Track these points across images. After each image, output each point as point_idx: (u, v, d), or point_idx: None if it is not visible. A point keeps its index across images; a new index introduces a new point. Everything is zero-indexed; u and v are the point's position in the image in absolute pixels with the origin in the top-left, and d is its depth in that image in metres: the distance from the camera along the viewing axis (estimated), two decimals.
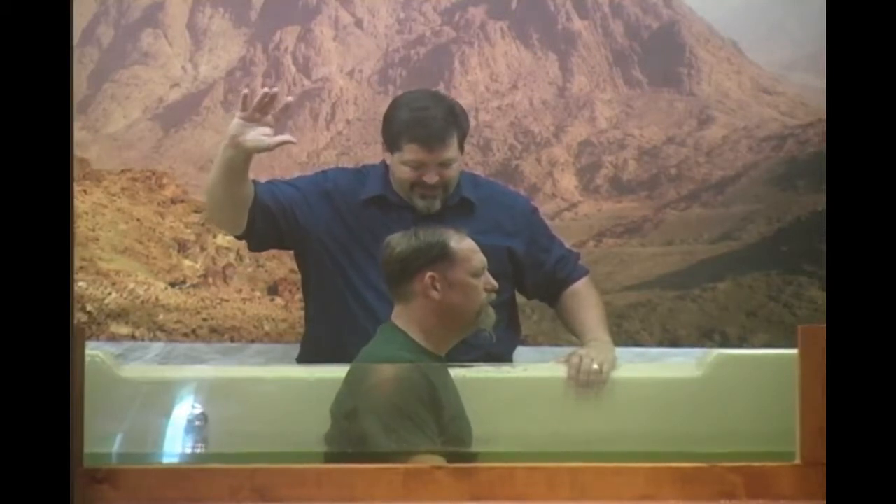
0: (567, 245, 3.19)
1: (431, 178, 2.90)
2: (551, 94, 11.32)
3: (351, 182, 3.00)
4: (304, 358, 3.08)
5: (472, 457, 2.65)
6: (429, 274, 2.66)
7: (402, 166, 2.90)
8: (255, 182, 2.93)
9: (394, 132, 2.91)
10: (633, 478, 1.79)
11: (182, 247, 9.60)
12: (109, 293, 8.62)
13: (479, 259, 2.73)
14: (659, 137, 11.02)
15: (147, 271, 9.25)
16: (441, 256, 2.67)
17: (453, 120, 2.90)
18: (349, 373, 2.67)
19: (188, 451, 2.64)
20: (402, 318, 2.71)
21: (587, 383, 2.76)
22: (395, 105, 3.00)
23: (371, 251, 2.87)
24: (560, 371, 2.88)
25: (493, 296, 2.74)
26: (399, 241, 2.71)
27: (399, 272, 2.69)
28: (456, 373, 2.84)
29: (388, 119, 2.97)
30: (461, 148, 2.94)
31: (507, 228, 3.01)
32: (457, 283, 2.67)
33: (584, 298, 2.99)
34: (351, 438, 2.54)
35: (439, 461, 2.37)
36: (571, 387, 2.75)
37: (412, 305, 2.68)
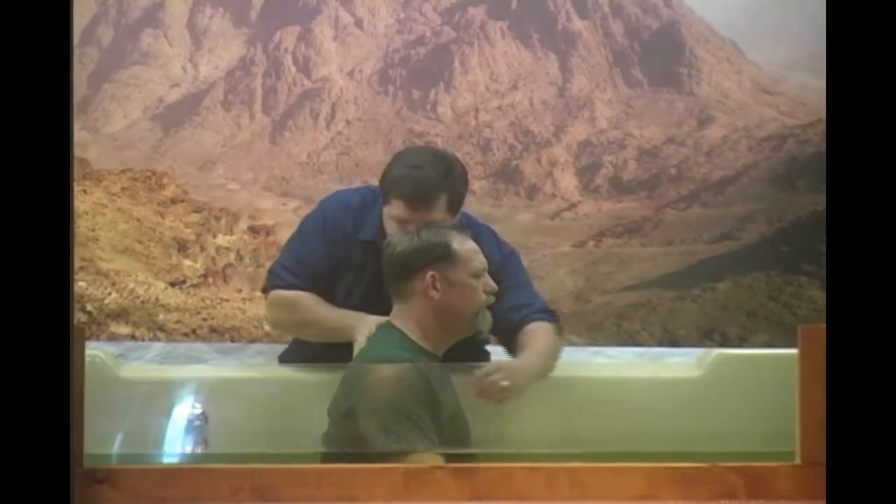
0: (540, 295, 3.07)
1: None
2: (551, 94, 11.32)
3: (349, 217, 2.97)
4: (287, 357, 3.09)
5: (471, 457, 2.65)
6: (430, 273, 2.66)
7: (389, 219, 2.88)
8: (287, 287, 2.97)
9: (385, 185, 2.90)
10: (633, 478, 1.79)
11: (182, 247, 9.61)
12: (109, 293, 8.63)
13: (480, 261, 2.73)
14: (659, 137, 11.02)
15: (147, 271, 9.27)
16: (443, 256, 2.68)
17: (445, 182, 2.85)
18: (347, 373, 2.67)
19: (188, 451, 2.64)
20: (401, 317, 2.71)
21: (488, 394, 2.66)
22: (394, 158, 2.98)
23: (354, 285, 2.91)
24: (560, 371, 2.88)
25: (492, 298, 2.75)
26: (401, 241, 2.72)
27: (400, 271, 2.69)
28: (456, 373, 2.84)
29: (385, 171, 2.97)
30: (453, 210, 2.88)
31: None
32: (457, 283, 2.68)
33: (536, 334, 2.84)
34: (350, 438, 2.54)
35: (438, 461, 2.37)
36: (474, 388, 2.65)
37: (411, 304, 2.69)
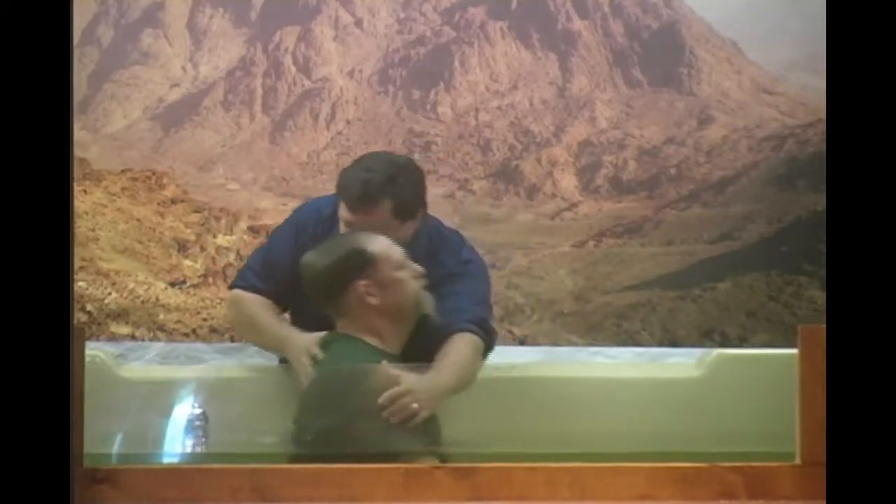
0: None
1: None
2: (551, 94, 11.33)
3: (320, 224, 2.97)
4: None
5: (471, 457, 2.65)
6: (360, 283, 2.68)
7: (342, 223, 2.89)
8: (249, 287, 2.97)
9: (336, 188, 2.91)
10: (633, 478, 1.79)
11: (182, 247, 9.60)
12: (109, 293, 8.62)
13: (396, 251, 2.74)
14: (659, 137, 11.03)
15: (147, 271, 9.26)
16: (362, 263, 2.69)
17: (389, 187, 2.84)
18: (322, 385, 2.67)
19: (188, 451, 2.64)
20: (351, 328, 2.73)
21: (397, 416, 2.60)
22: (352, 163, 3.00)
23: None
24: (560, 371, 2.87)
25: (424, 280, 2.75)
26: (314, 261, 2.73)
27: (326, 291, 2.71)
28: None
29: (339, 174, 2.99)
30: (402, 216, 2.87)
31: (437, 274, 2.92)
32: (387, 282, 2.70)
33: (458, 348, 2.78)
34: (352, 443, 2.55)
35: (433, 461, 2.38)
36: (385, 410, 2.59)
37: (354, 316, 2.71)
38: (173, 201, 10.16)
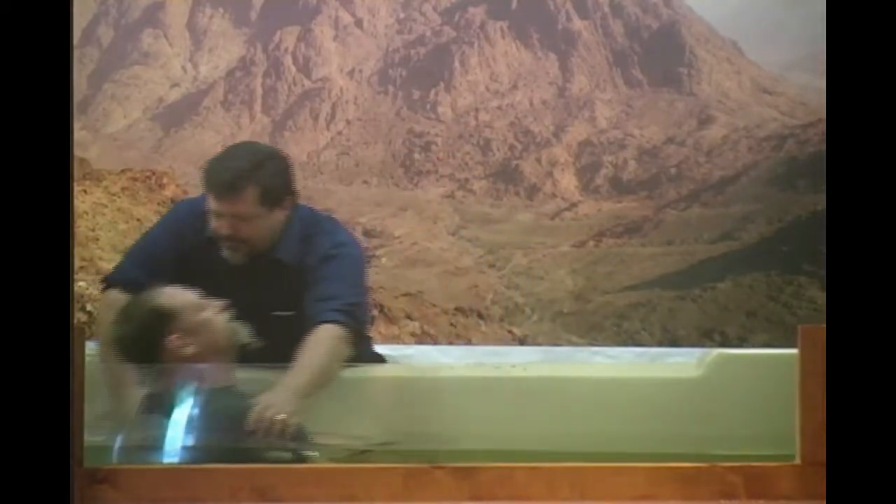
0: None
1: (220, 228, 2.86)
2: (551, 94, 11.34)
3: (199, 218, 2.94)
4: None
5: (471, 456, 2.65)
6: (171, 339, 2.66)
7: (210, 215, 2.87)
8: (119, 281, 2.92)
9: (201, 180, 2.90)
10: (633, 478, 1.79)
11: None
12: None
13: (190, 295, 2.71)
14: (659, 137, 11.04)
15: None
16: (164, 320, 2.67)
17: (254, 174, 2.83)
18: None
19: (188, 450, 2.64)
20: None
21: (270, 432, 2.59)
22: (218, 154, 2.98)
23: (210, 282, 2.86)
24: (560, 371, 2.87)
25: (231, 311, 2.72)
26: (121, 334, 2.69)
27: (145, 356, 2.68)
28: (457, 373, 2.85)
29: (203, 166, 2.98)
30: (269, 203, 2.85)
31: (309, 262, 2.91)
32: (195, 328, 2.68)
33: (316, 342, 2.74)
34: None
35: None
36: (256, 432, 2.58)
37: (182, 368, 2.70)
38: (173, 201, 10.18)
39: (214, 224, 2.86)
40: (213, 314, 2.71)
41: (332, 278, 2.86)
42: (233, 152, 2.97)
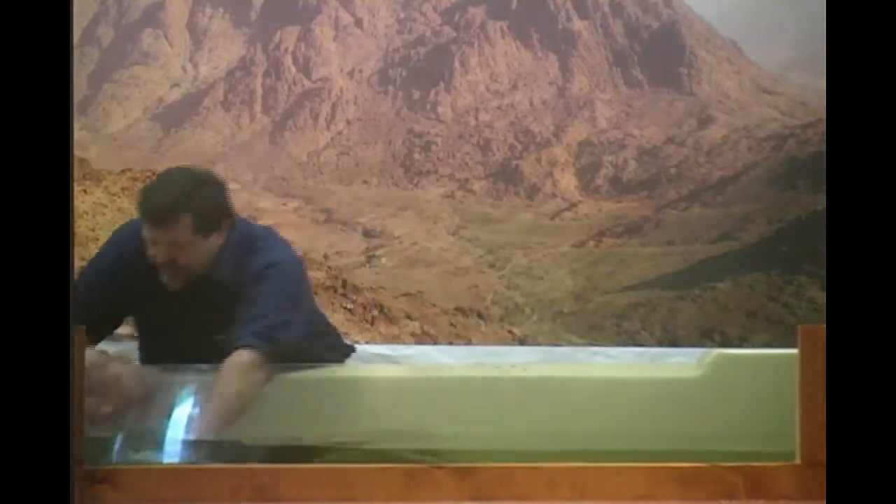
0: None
1: (156, 255, 2.82)
2: (551, 94, 11.35)
3: (139, 243, 2.90)
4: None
5: (471, 456, 2.65)
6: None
7: (148, 242, 2.85)
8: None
9: (136, 208, 2.88)
10: (633, 478, 1.79)
11: None
12: None
13: (92, 352, 2.65)
14: (659, 137, 11.05)
15: None
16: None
17: (187, 202, 2.79)
18: None
19: (188, 450, 2.64)
20: None
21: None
22: (152, 181, 2.97)
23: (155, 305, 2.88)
24: (560, 371, 2.87)
25: (130, 358, 2.73)
26: None
27: None
28: (457, 373, 2.85)
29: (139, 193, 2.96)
30: (207, 229, 2.83)
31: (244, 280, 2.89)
32: (102, 387, 2.59)
33: (228, 368, 2.72)
34: None
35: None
36: None
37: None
38: None
39: (150, 251, 2.82)
40: (120, 368, 2.67)
41: (258, 299, 2.82)
42: (166, 179, 2.91)
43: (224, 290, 2.86)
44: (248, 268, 2.85)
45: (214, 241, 2.85)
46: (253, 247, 2.91)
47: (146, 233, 2.82)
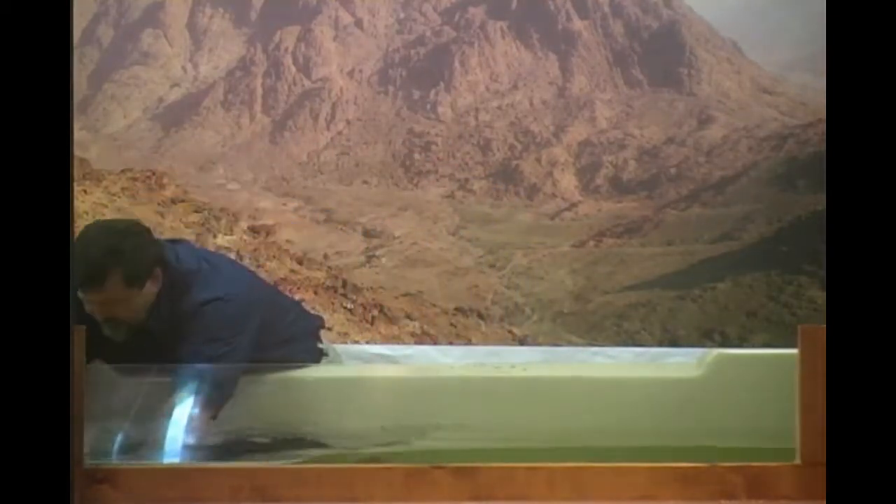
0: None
1: (93, 312, 2.79)
2: (551, 94, 11.35)
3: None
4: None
5: (471, 456, 2.66)
6: None
7: (84, 303, 2.81)
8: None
9: None
10: (633, 478, 1.79)
11: None
12: None
13: None
14: (659, 137, 11.05)
15: None
16: None
17: (113, 260, 2.75)
18: None
19: (188, 450, 2.64)
20: None
21: None
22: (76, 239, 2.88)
23: None
24: (560, 371, 2.88)
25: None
26: None
27: None
28: (457, 373, 2.85)
29: None
30: (140, 282, 2.79)
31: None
32: None
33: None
34: None
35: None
36: None
37: None
38: (173, 201, 10.17)
39: (88, 309, 2.79)
40: None
41: (192, 336, 2.82)
42: (87, 238, 2.83)
43: (166, 334, 2.84)
44: (183, 306, 2.83)
45: (149, 289, 2.81)
46: (188, 283, 2.86)
47: (81, 296, 2.75)
